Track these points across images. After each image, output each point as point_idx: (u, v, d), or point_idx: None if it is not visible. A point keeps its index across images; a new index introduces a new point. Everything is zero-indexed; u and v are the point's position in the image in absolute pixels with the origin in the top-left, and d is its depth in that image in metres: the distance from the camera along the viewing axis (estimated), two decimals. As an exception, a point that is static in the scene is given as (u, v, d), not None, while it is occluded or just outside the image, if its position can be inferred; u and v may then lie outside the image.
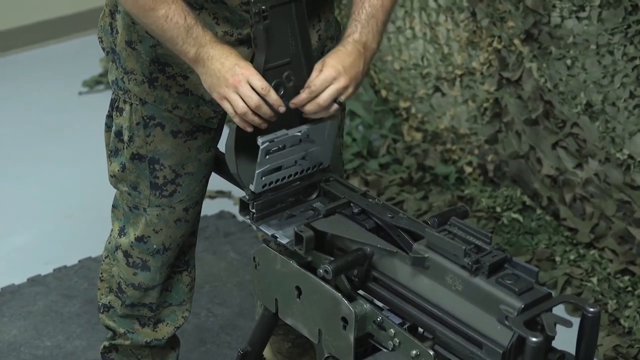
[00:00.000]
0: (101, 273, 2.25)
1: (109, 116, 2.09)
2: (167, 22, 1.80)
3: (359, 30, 1.88)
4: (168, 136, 2.02)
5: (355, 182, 3.30)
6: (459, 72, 3.28)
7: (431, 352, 1.60)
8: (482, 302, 1.55)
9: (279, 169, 1.88)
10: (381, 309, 1.71)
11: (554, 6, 2.87)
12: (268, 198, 1.89)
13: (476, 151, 3.32)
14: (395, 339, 1.66)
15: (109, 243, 2.21)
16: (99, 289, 2.26)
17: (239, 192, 1.93)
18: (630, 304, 2.75)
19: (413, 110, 3.51)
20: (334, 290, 1.71)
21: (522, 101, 3.11)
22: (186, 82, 1.97)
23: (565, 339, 1.61)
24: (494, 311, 1.53)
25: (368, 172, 3.38)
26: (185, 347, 2.58)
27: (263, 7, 1.78)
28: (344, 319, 1.70)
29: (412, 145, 3.48)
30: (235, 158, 1.86)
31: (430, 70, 3.40)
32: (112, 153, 2.09)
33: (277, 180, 1.89)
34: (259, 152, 1.81)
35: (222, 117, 2.03)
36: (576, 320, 1.54)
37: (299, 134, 1.85)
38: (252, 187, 1.86)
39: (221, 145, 2.04)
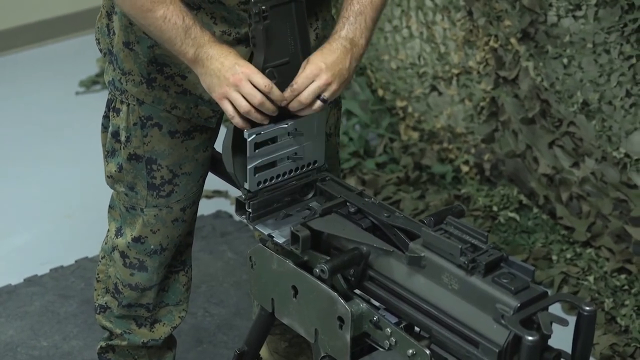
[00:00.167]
0: (98, 274, 2.25)
1: (106, 117, 2.08)
2: (165, 22, 1.80)
3: (345, 26, 1.88)
4: (165, 136, 2.02)
5: (352, 181, 3.31)
6: (455, 71, 3.28)
7: (427, 351, 1.60)
8: (478, 301, 1.55)
9: (272, 165, 1.88)
10: (377, 308, 1.71)
11: (550, 5, 2.87)
12: (264, 197, 1.89)
13: (473, 150, 3.32)
14: (392, 338, 1.66)
15: (106, 244, 2.21)
16: (96, 290, 2.26)
17: (235, 192, 1.94)
18: (627, 302, 2.75)
19: (410, 110, 3.51)
20: (330, 290, 1.71)
21: (519, 100, 3.11)
22: (184, 82, 1.97)
23: (562, 338, 1.61)
24: (490, 310, 1.53)
25: (365, 171, 3.38)
26: (182, 347, 2.58)
27: (263, 7, 1.78)
28: (340, 319, 1.70)
29: (408, 145, 3.48)
30: (232, 158, 1.86)
31: (427, 69, 3.40)
32: (109, 153, 2.09)
33: (272, 178, 1.89)
34: (247, 146, 1.82)
35: (220, 116, 2.03)
36: (573, 319, 1.54)
37: (286, 126, 1.86)
38: (246, 185, 1.86)
39: (217, 145, 2.04)
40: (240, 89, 1.78)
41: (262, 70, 1.81)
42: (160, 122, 2.00)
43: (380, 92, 3.60)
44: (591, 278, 2.85)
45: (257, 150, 1.85)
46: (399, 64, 3.51)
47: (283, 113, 1.86)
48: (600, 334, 2.67)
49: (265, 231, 1.87)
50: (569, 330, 1.54)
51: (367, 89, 3.62)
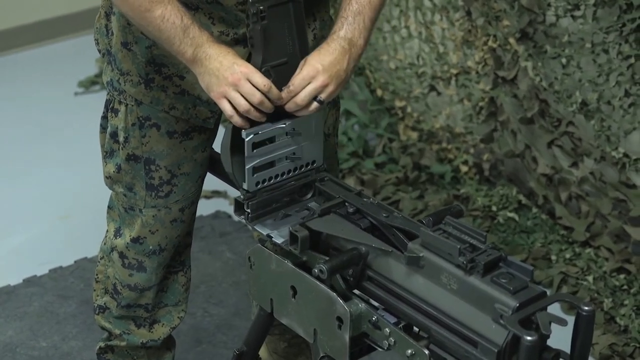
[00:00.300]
0: (96, 274, 2.25)
1: (104, 117, 2.08)
2: (163, 22, 1.80)
3: (344, 27, 1.88)
4: (164, 137, 2.02)
5: (351, 181, 3.31)
6: (454, 71, 3.28)
7: (426, 351, 1.60)
8: (477, 301, 1.55)
9: (271, 165, 1.88)
10: (376, 308, 1.71)
11: (549, 5, 2.87)
12: (263, 198, 1.89)
13: (472, 150, 3.32)
14: (391, 338, 1.66)
15: (105, 244, 2.21)
16: (95, 290, 2.26)
17: (234, 192, 1.94)
18: (626, 302, 2.75)
19: (409, 110, 3.51)
20: (329, 290, 1.71)
21: (518, 100, 3.11)
22: (183, 82, 1.97)
23: (561, 338, 1.61)
24: (489, 310, 1.53)
25: (364, 171, 3.38)
26: (181, 347, 2.58)
27: (261, 8, 1.78)
28: (339, 319, 1.70)
29: (407, 145, 3.48)
30: (231, 158, 1.86)
31: (425, 69, 3.40)
32: (108, 154, 2.09)
33: (270, 178, 1.89)
34: (245, 146, 1.82)
35: (218, 117, 2.03)
36: (572, 319, 1.54)
37: (284, 126, 1.86)
38: (245, 185, 1.86)
39: (216, 146, 2.04)
40: (239, 88, 1.79)
41: (260, 70, 1.81)
42: (158, 122, 2.00)
43: (379, 92, 3.60)
44: (590, 278, 2.85)
45: (255, 150, 1.85)
46: (397, 64, 3.51)
47: (281, 113, 1.86)
48: (599, 334, 2.67)
49: (264, 231, 1.87)
50: (568, 330, 1.54)
51: (366, 89, 3.62)
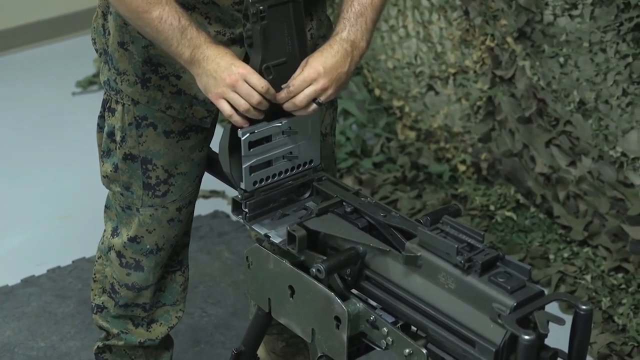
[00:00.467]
0: (94, 274, 2.25)
1: (101, 117, 2.08)
2: (161, 23, 1.80)
3: (347, 28, 1.88)
4: (160, 136, 2.02)
5: (349, 181, 3.31)
6: (452, 70, 3.28)
7: (424, 351, 1.60)
8: (475, 301, 1.55)
9: (268, 164, 1.88)
10: (374, 307, 1.71)
11: (546, 4, 2.87)
12: (260, 197, 1.89)
13: (470, 149, 3.32)
14: (388, 338, 1.66)
15: (102, 244, 2.21)
16: (92, 290, 2.26)
17: (232, 192, 1.94)
18: (624, 301, 2.75)
19: (407, 109, 3.51)
20: (326, 290, 1.71)
21: (516, 99, 3.11)
22: (179, 82, 1.96)
23: (559, 337, 1.61)
24: (486, 309, 1.53)
25: (362, 171, 3.38)
26: (179, 347, 2.58)
27: (261, 8, 1.78)
28: (337, 318, 1.70)
29: (405, 144, 3.48)
30: (229, 157, 1.86)
31: (423, 68, 3.40)
32: (105, 154, 2.09)
33: (268, 178, 1.89)
34: (242, 145, 1.82)
35: (215, 116, 2.03)
36: (570, 318, 1.54)
37: (280, 125, 1.86)
38: (242, 185, 1.86)
39: (213, 145, 2.04)
40: (237, 90, 1.79)
41: (260, 67, 1.81)
42: (155, 122, 2.00)
43: (377, 92, 3.60)
44: (588, 277, 2.85)
45: (251, 150, 1.85)
46: (395, 63, 3.51)
47: (278, 111, 1.86)
48: (597, 333, 2.67)
49: (262, 231, 1.87)
50: (566, 329, 1.54)
51: (364, 88, 3.62)
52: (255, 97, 1.79)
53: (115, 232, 2.15)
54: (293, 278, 1.77)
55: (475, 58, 3.18)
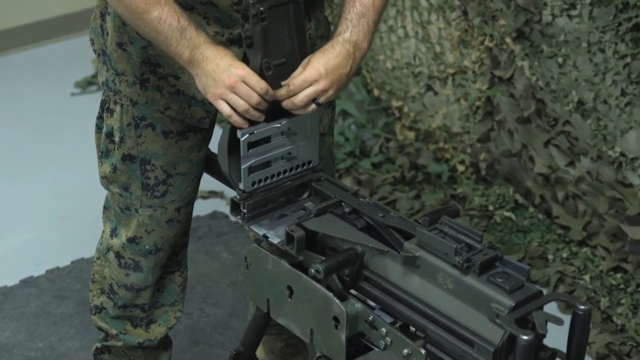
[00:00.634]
0: (93, 274, 2.25)
1: (100, 117, 2.08)
2: (160, 24, 1.80)
3: (349, 29, 1.88)
4: (159, 137, 2.02)
5: (348, 181, 3.31)
6: (451, 70, 3.28)
7: (423, 351, 1.60)
8: (473, 301, 1.55)
9: (267, 165, 1.88)
10: (373, 308, 1.71)
11: (545, 4, 2.87)
12: (259, 198, 1.89)
13: (469, 150, 3.32)
14: (387, 338, 1.66)
15: (101, 244, 2.21)
16: (91, 291, 2.26)
17: (231, 193, 1.94)
18: (623, 301, 2.75)
19: (405, 109, 3.51)
20: (325, 290, 1.71)
21: (514, 99, 3.11)
22: (178, 82, 1.96)
23: (557, 337, 1.61)
24: (485, 309, 1.53)
25: (361, 171, 3.38)
26: (178, 347, 2.58)
27: (262, 9, 1.78)
28: (336, 319, 1.70)
29: (404, 144, 3.48)
30: (228, 158, 1.86)
31: (422, 69, 3.40)
32: (103, 154, 2.09)
33: (266, 178, 1.89)
34: (241, 145, 1.82)
35: (213, 117, 2.03)
36: (568, 318, 1.54)
37: (279, 125, 1.86)
38: (241, 185, 1.86)
39: (212, 146, 2.04)
40: (236, 91, 1.79)
41: (260, 63, 1.81)
42: (153, 122, 2.00)
43: (376, 92, 3.60)
44: (587, 277, 2.85)
45: (250, 150, 1.85)
46: (394, 63, 3.51)
47: (277, 112, 1.86)
48: (596, 333, 2.68)
49: (260, 231, 1.87)
50: (565, 330, 1.54)
51: (363, 88, 3.62)
52: (255, 98, 1.79)
53: (114, 233, 2.15)
54: (291, 278, 1.77)
55: (474, 58, 3.18)
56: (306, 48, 1.89)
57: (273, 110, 1.85)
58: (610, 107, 2.82)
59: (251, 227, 1.89)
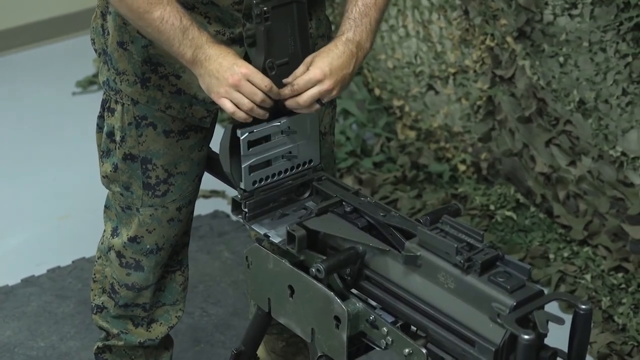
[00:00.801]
0: (94, 274, 2.25)
1: (100, 117, 2.08)
2: (162, 24, 1.79)
3: (352, 29, 1.87)
4: (160, 136, 2.01)
5: (349, 180, 3.31)
6: (452, 70, 3.28)
7: (424, 351, 1.60)
8: (475, 300, 1.55)
9: (268, 164, 1.88)
10: (374, 307, 1.71)
11: (546, 4, 2.87)
12: (260, 197, 1.89)
13: (470, 149, 3.32)
14: (388, 338, 1.66)
15: (102, 244, 2.21)
16: (92, 290, 2.26)
17: (232, 192, 1.94)
18: (624, 300, 2.75)
19: (407, 109, 3.51)
20: (326, 289, 1.71)
21: (516, 99, 3.11)
22: (179, 81, 1.96)
23: (559, 337, 1.61)
24: (486, 309, 1.53)
25: (362, 170, 3.38)
26: (180, 346, 2.58)
27: (265, 9, 1.78)
28: (337, 318, 1.70)
29: (405, 144, 3.48)
30: (229, 157, 1.86)
31: (423, 68, 3.40)
32: (104, 154, 2.09)
33: (267, 178, 1.89)
34: (241, 144, 1.82)
35: (215, 116, 2.03)
36: (569, 318, 1.54)
37: (279, 124, 1.86)
38: (242, 185, 1.86)
39: (213, 145, 2.04)
40: (240, 89, 1.78)
41: (264, 63, 1.81)
42: (154, 121, 2.00)
43: (377, 92, 3.60)
44: (588, 276, 2.85)
45: (250, 149, 1.85)
46: (395, 63, 3.51)
47: (277, 111, 1.86)
48: (597, 333, 2.67)
49: (262, 231, 1.87)
50: (566, 329, 1.54)
51: (364, 88, 3.62)
52: (259, 96, 1.79)
53: (115, 232, 2.15)
54: (293, 278, 1.77)
55: (475, 57, 3.18)
56: (309, 48, 1.89)
57: (273, 109, 1.85)
58: (612, 106, 2.82)
59: (252, 226, 1.89)
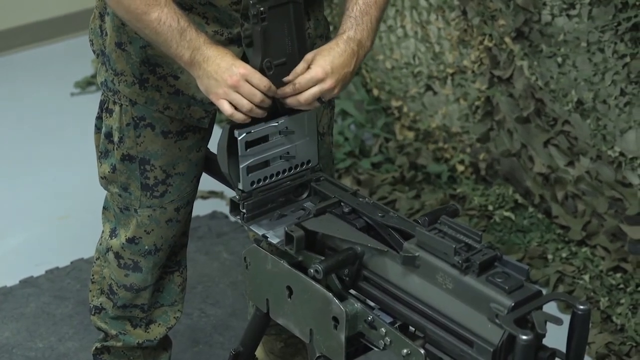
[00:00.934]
0: (92, 275, 2.25)
1: (99, 118, 2.08)
2: (160, 25, 1.79)
3: (353, 27, 1.87)
4: (158, 136, 2.02)
5: (347, 181, 3.31)
6: (450, 70, 3.28)
7: (422, 351, 1.60)
8: (473, 301, 1.55)
9: (266, 165, 1.88)
10: (372, 308, 1.71)
11: (544, 4, 2.87)
12: (258, 198, 1.89)
13: (468, 149, 3.32)
14: (387, 338, 1.66)
15: (100, 245, 2.21)
16: (91, 291, 2.26)
17: (231, 193, 1.94)
18: (622, 301, 2.75)
19: (405, 109, 3.51)
20: (324, 290, 1.71)
21: (514, 99, 3.11)
22: (177, 82, 1.96)
23: (557, 337, 1.61)
24: (484, 309, 1.53)
25: (360, 171, 3.38)
26: (178, 347, 2.58)
27: (262, 9, 1.78)
28: (335, 319, 1.70)
29: (404, 144, 3.48)
30: (227, 158, 1.86)
31: (421, 69, 3.40)
32: (102, 154, 2.09)
33: (265, 178, 1.89)
34: (238, 145, 1.82)
35: (213, 116, 2.03)
36: (568, 318, 1.54)
37: (276, 124, 1.87)
38: (240, 185, 1.86)
39: (211, 146, 2.04)
40: (239, 90, 1.78)
41: (261, 63, 1.81)
42: (153, 122, 2.00)
43: (376, 92, 3.61)
44: (587, 277, 2.85)
45: (248, 150, 1.85)
46: (393, 63, 3.51)
47: (274, 110, 1.86)
48: (596, 333, 2.68)
49: (260, 231, 1.87)
50: (564, 329, 1.54)
51: (362, 88, 3.63)
52: (258, 96, 1.79)
53: (113, 233, 2.15)
54: (291, 278, 1.77)
55: (473, 58, 3.18)
56: (306, 48, 1.89)
57: (271, 108, 1.85)
58: (610, 106, 2.82)
59: (251, 227, 1.89)
